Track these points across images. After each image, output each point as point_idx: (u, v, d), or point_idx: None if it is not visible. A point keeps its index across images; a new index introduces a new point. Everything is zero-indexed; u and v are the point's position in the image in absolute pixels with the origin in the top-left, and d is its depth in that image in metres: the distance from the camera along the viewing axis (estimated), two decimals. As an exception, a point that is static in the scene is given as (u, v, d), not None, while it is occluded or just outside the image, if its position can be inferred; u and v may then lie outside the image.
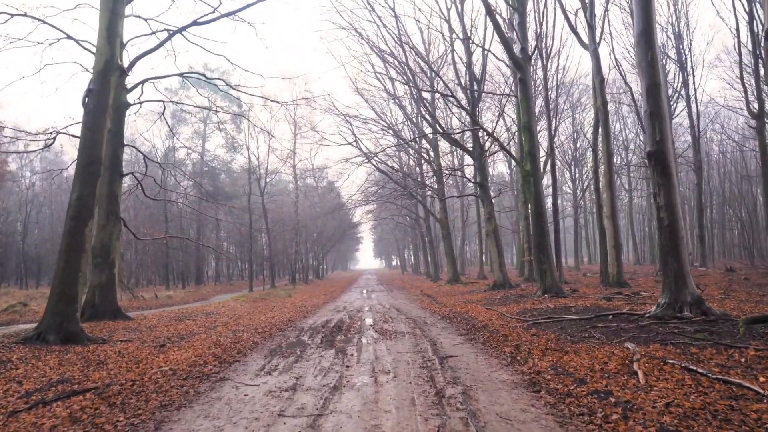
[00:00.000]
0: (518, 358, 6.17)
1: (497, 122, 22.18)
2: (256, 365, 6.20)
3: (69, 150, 39.94)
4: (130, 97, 14.92)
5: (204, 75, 16.44)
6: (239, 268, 54.68)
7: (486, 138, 20.56)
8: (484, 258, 35.40)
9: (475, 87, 21.11)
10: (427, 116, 23.58)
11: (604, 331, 7.28)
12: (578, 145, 41.89)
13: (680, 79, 30.36)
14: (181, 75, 16.22)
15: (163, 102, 15.97)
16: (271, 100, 17.51)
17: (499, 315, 10.39)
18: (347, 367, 5.86)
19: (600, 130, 18.46)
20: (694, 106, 29.87)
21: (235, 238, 49.26)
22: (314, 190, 46.78)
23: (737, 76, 32.68)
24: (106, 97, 9.57)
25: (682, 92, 30.42)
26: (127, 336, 9.86)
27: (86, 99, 9.45)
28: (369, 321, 10.81)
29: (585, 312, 9.61)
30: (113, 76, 9.77)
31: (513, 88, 24.21)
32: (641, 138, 40.38)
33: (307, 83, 62.89)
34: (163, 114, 16.37)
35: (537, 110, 29.39)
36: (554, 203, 23.75)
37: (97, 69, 9.58)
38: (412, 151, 30.50)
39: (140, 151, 15.81)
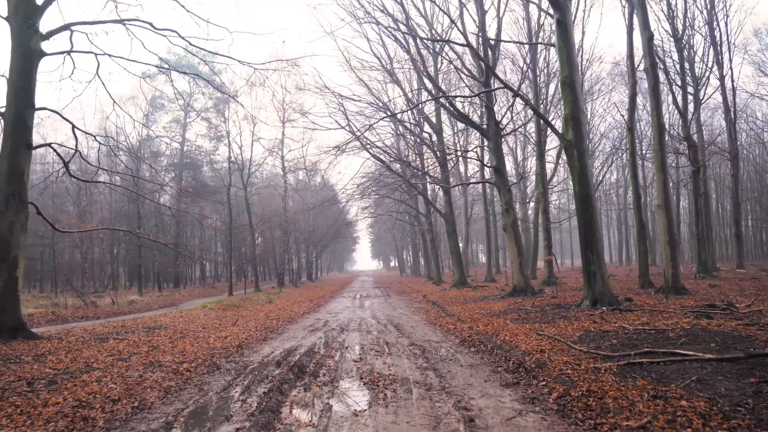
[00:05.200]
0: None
1: (521, 83, 18.30)
2: None
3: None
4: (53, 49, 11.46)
5: (152, 24, 12.80)
6: (228, 269, 50.92)
7: (507, 106, 16.95)
8: (491, 258, 31.77)
9: (489, 54, 17.63)
10: (431, 89, 19.98)
11: (808, 396, 3.72)
12: (591, 136, 38.71)
13: (712, 58, 26.62)
14: (121, 21, 12.61)
15: (95, 54, 12.34)
16: (238, 61, 13.81)
17: (553, 343, 6.79)
18: None
19: (649, 100, 15.01)
20: (729, 87, 26.14)
21: (221, 237, 45.52)
22: (305, 185, 43.12)
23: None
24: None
25: (715, 71, 26.72)
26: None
27: None
28: (354, 351, 7.20)
29: (697, 341, 6.04)
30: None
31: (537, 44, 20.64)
32: (670, 122, 36.88)
33: (285, 41, 58.95)
34: (97, 72, 12.71)
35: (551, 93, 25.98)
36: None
37: None
38: (411, 138, 26.89)
39: (64, 117, 12.09)
